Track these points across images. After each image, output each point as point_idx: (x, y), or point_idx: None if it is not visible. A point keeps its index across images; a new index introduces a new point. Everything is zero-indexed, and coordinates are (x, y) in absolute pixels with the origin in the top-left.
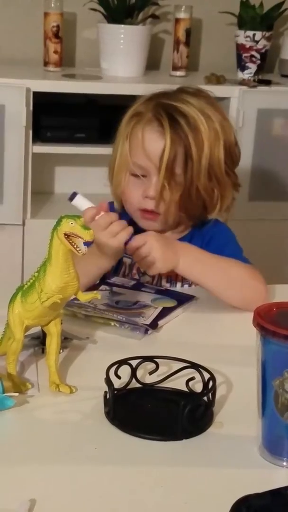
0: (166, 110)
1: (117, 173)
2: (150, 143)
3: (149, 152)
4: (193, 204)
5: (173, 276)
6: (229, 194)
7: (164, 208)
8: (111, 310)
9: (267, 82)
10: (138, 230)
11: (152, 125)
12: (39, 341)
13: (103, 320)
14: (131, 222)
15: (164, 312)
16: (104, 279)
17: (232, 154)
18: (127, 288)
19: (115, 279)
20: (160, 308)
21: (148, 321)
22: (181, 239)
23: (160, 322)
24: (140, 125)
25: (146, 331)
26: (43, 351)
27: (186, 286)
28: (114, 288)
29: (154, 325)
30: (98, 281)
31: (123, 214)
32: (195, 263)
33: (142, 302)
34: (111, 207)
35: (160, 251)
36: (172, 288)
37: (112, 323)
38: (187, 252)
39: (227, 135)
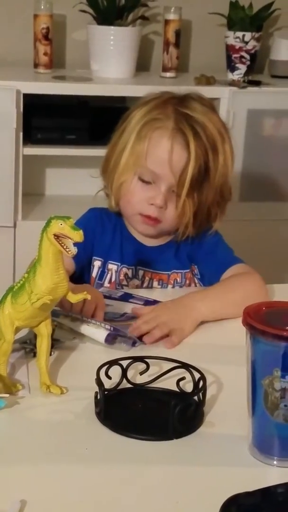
0: (188, 121)
1: (122, 173)
2: (174, 155)
3: (171, 164)
4: (202, 218)
5: (164, 279)
6: (227, 204)
7: (177, 223)
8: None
9: (257, 83)
10: (128, 236)
11: (176, 136)
12: (31, 344)
13: (89, 337)
14: (120, 223)
15: None
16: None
17: (232, 169)
18: (115, 299)
19: (102, 290)
20: None
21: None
22: (169, 243)
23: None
24: (163, 133)
25: (133, 344)
26: (35, 355)
27: (177, 287)
28: None
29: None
30: None
31: (109, 214)
32: (211, 302)
33: (129, 313)
34: (92, 213)
35: (171, 316)
36: (163, 289)
37: (87, 336)
38: (196, 299)
39: (233, 153)
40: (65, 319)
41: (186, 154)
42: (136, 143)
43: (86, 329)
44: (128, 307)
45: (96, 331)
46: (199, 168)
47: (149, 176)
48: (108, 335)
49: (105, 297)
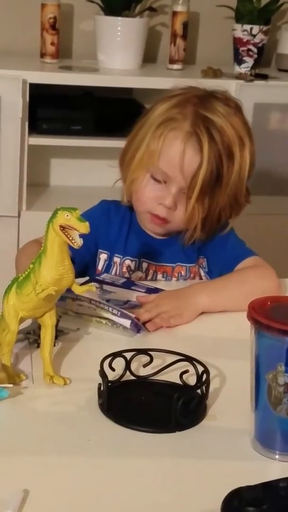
0: (205, 124)
1: (135, 169)
2: (187, 158)
3: (182, 166)
4: (212, 223)
5: (168, 272)
6: (242, 209)
7: (186, 225)
8: (105, 304)
9: (264, 76)
10: (136, 228)
11: (190, 139)
12: (35, 334)
13: (94, 319)
14: (131, 218)
15: None
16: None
17: (251, 174)
18: (117, 286)
19: (104, 276)
20: None
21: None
22: (178, 236)
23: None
24: (178, 135)
25: (138, 331)
26: (39, 345)
27: (181, 280)
28: (105, 286)
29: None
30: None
31: (118, 207)
32: (214, 294)
33: (133, 301)
34: (100, 207)
35: (172, 305)
36: (167, 281)
37: (104, 322)
38: (199, 290)
39: (252, 159)
40: (72, 304)
41: (199, 158)
42: (151, 141)
43: (104, 316)
44: (131, 295)
45: (119, 319)
46: (211, 174)
47: (160, 176)
48: (131, 322)
49: (108, 284)
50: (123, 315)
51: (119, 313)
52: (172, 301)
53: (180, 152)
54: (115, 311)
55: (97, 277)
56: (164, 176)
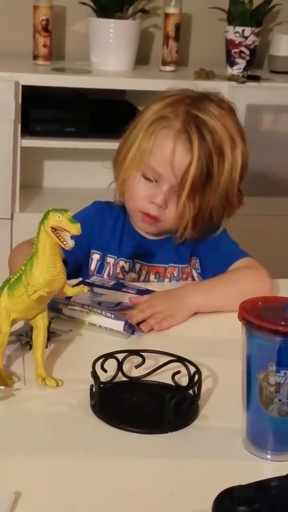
0: (195, 123)
1: (128, 168)
2: (177, 156)
3: (172, 164)
4: (203, 222)
5: (161, 272)
6: (235, 210)
7: (177, 224)
8: (98, 307)
9: (256, 78)
10: (129, 229)
11: (181, 137)
12: (27, 336)
13: (87, 322)
14: (125, 219)
15: None
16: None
17: (243, 176)
18: (108, 288)
19: (94, 279)
20: None
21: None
22: (171, 236)
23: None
24: (169, 133)
25: (133, 332)
26: (31, 347)
27: (174, 281)
28: (95, 289)
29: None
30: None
31: (112, 208)
32: (207, 294)
33: (125, 303)
34: (93, 207)
35: (166, 305)
36: (160, 282)
37: (97, 325)
38: (192, 289)
39: (245, 159)
40: (65, 308)
41: (189, 157)
42: (143, 140)
43: (97, 319)
44: (122, 297)
45: (113, 321)
46: (201, 172)
47: (151, 175)
48: (125, 323)
49: (98, 286)
50: (117, 317)
51: (112, 315)
52: (165, 301)
53: (170, 150)
54: (108, 314)
55: (86, 280)
56: (155, 174)
